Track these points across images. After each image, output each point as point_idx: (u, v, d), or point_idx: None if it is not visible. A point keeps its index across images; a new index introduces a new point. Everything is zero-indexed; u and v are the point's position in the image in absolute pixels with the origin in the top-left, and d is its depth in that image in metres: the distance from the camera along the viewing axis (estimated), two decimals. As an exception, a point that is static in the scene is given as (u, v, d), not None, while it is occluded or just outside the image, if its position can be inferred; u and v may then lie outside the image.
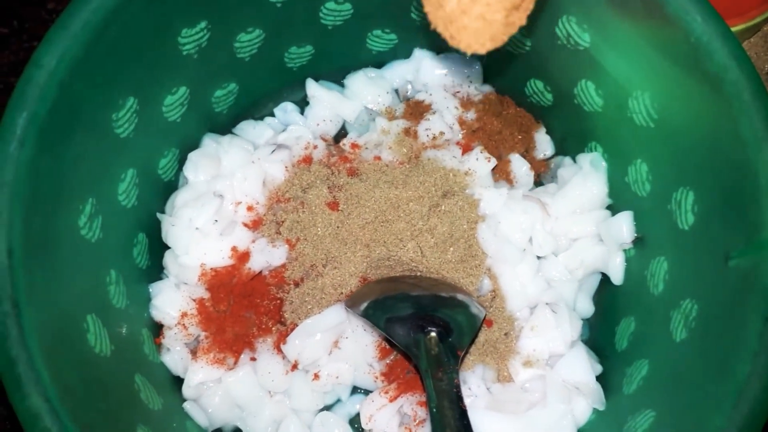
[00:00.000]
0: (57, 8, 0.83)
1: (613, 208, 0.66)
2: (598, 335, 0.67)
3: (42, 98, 0.47)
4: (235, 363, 0.63)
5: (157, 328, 0.64)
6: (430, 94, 0.71)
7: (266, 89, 0.72)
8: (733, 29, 0.69)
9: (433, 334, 0.56)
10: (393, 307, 0.58)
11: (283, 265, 0.64)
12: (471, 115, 0.70)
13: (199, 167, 0.67)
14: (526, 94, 0.71)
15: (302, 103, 0.74)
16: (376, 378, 0.62)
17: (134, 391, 0.55)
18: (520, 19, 0.47)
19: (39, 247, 0.47)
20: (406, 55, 0.73)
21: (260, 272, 0.65)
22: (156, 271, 0.66)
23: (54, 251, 0.49)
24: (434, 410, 0.52)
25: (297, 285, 0.64)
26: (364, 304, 0.59)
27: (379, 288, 0.61)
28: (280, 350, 0.62)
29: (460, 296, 0.60)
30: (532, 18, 0.61)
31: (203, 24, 0.59)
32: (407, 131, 0.69)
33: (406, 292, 0.60)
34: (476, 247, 0.64)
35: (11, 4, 0.83)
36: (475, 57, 0.71)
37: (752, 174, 0.47)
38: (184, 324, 0.63)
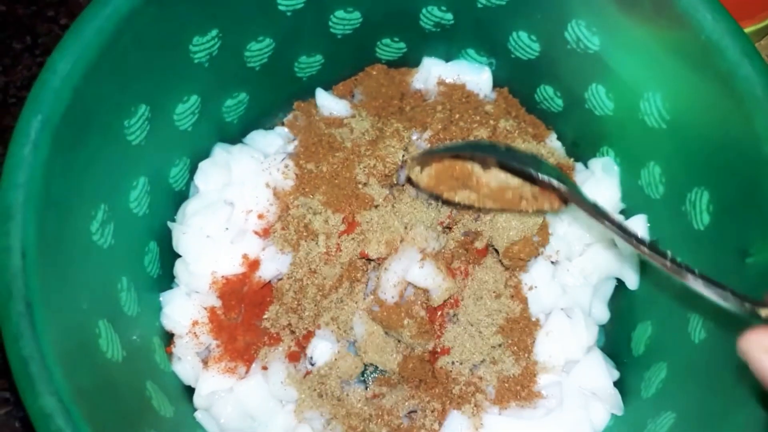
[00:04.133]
0: (69, 24, 0.84)
1: (627, 212, 0.66)
2: (614, 342, 0.66)
3: (56, 102, 0.47)
4: (247, 372, 0.62)
5: (168, 337, 0.63)
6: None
7: (276, 99, 0.73)
8: (743, 32, 0.69)
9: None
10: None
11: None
12: (481, 122, 0.70)
13: (209, 176, 0.67)
14: (536, 100, 0.71)
15: (312, 113, 0.74)
16: None
17: (146, 398, 0.54)
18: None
19: (52, 250, 0.47)
20: (416, 63, 0.73)
21: (270, 281, 0.64)
22: (167, 280, 0.66)
23: (67, 255, 0.49)
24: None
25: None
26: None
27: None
28: (291, 359, 0.62)
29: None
30: (541, 23, 0.62)
31: (214, 32, 0.59)
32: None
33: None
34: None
35: (25, 20, 0.84)
36: (485, 64, 0.71)
37: (768, 169, 0.47)
38: (195, 333, 0.62)
